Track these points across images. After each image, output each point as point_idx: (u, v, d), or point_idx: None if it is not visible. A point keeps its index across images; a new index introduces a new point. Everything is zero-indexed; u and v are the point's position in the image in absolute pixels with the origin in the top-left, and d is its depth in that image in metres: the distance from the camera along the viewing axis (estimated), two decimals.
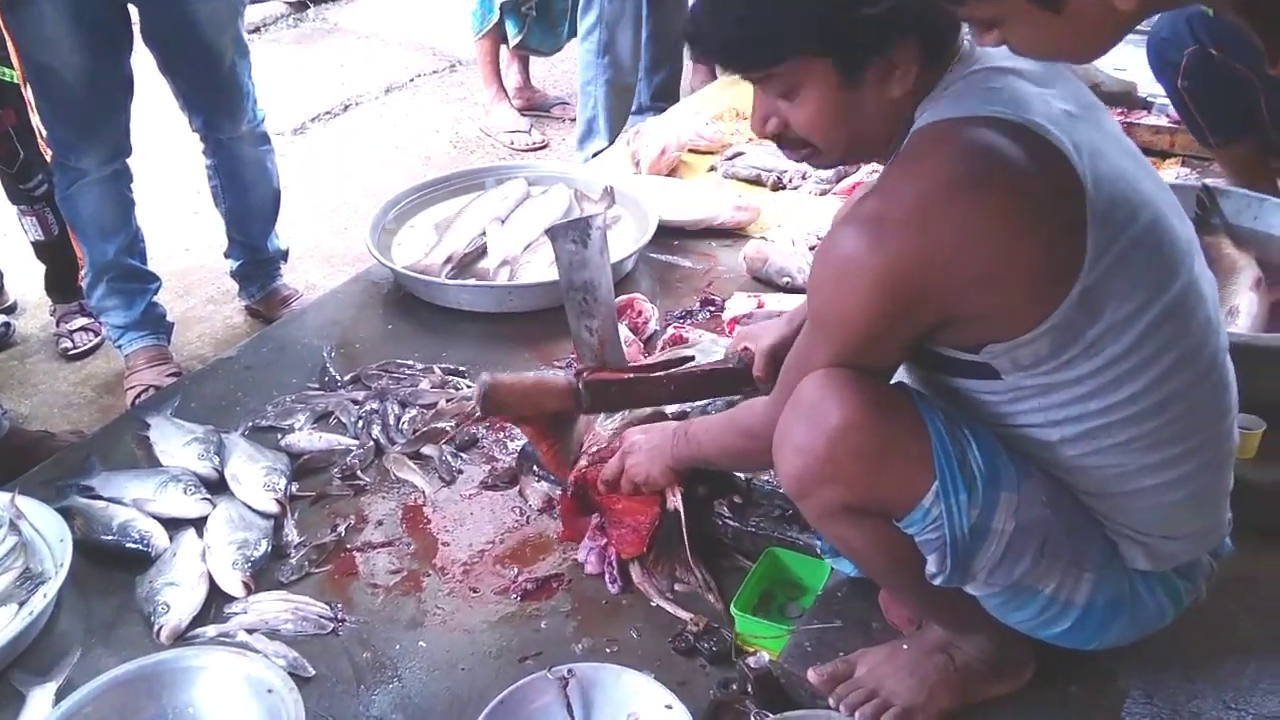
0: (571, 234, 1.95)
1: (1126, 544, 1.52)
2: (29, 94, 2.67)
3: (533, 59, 4.78)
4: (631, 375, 2.04)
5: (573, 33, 4.27)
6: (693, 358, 2.28)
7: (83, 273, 2.95)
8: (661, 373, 2.06)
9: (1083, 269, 1.35)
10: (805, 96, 1.47)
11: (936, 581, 1.49)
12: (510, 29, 4.35)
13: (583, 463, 2.09)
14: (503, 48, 4.53)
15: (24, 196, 3.07)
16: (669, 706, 1.69)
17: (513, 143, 4.45)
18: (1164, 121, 3.41)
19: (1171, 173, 3.23)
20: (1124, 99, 3.50)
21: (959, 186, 1.35)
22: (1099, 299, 1.37)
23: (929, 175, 1.37)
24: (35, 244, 3.17)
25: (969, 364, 1.46)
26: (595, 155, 3.89)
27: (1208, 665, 1.75)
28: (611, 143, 3.93)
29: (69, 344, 3.18)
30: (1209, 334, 1.48)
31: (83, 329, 3.20)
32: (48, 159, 2.77)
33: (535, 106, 4.73)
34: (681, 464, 1.87)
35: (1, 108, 2.93)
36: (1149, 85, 3.56)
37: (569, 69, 4.89)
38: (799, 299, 2.44)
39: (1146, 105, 3.49)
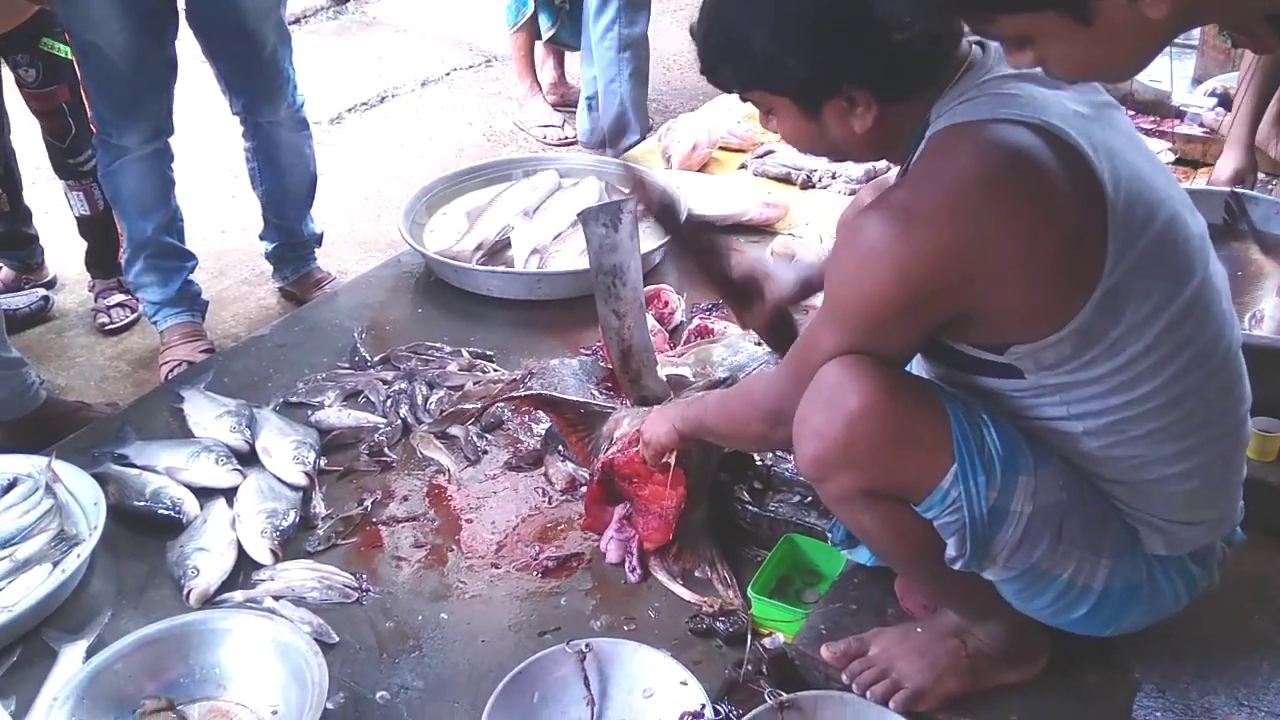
0: (603, 217, 1.98)
1: (1146, 530, 1.53)
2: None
3: (567, 55, 4.81)
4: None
5: None
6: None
7: (122, 249, 3.02)
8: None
9: (1104, 270, 1.37)
10: (780, 118, 1.55)
11: (956, 565, 1.50)
12: (544, 23, 4.38)
13: (612, 450, 2.11)
14: (538, 43, 4.57)
15: (73, 171, 3.14)
16: (684, 683, 1.72)
17: (545, 137, 4.49)
18: (1197, 130, 3.41)
19: (1203, 180, 3.22)
20: (1157, 107, 3.50)
21: (987, 181, 1.36)
22: (1120, 299, 1.39)
23: (957, 170, 1.38)
24: (80, 219, 3.23)
25: (993, 364, 1.48)
26: (629, 149, 3.92)
27: (1221, 661, 1.75)
28: (643, 136, 3.97)
29: (106, 319, 3.24)
30: (1224, 327, 1.50)
31: (120, 305, 3.26)
32: None
33: (569, 102, 4.76)
34: (687, 426, 1.86)
35: (56, 83, 3.00)
36: (1182, 95, 3.59)
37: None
38: None
39: (1180, 114, 3.49)
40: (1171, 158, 3.35)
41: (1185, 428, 1.48)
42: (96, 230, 3.23)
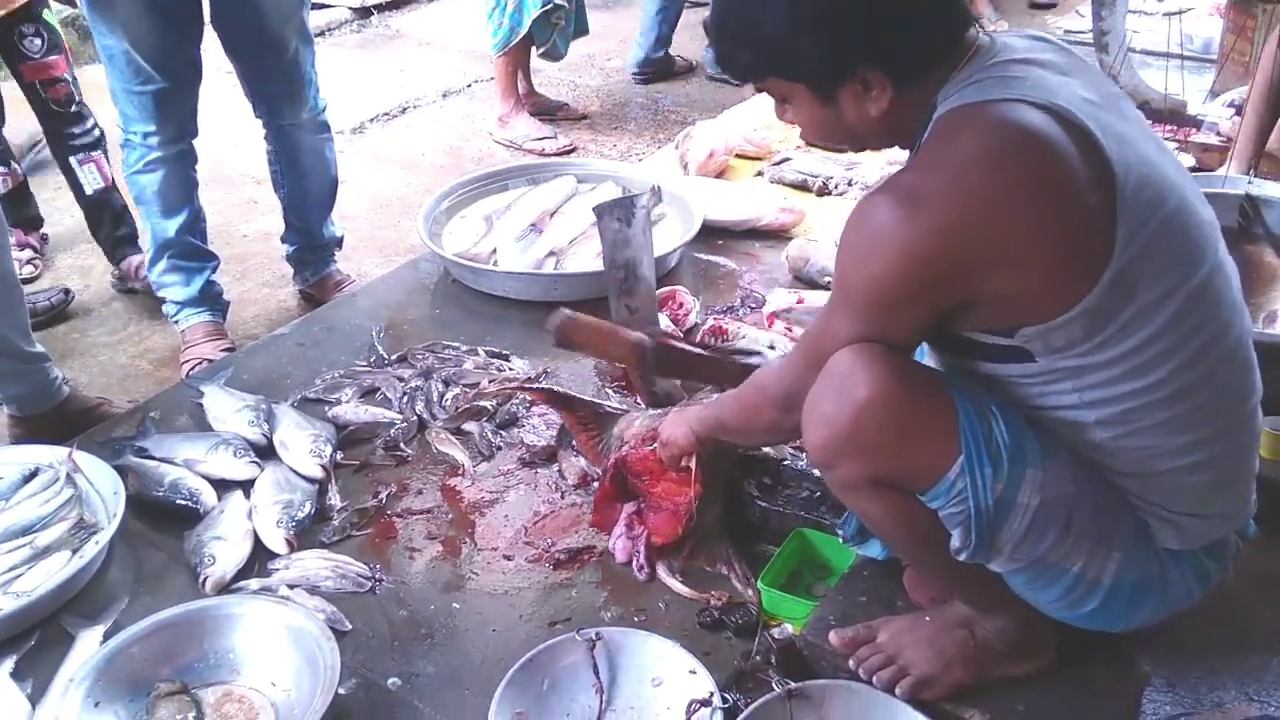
0: (617, 212, 2.00)
1: (1158, 523, 1.53)
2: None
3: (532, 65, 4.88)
4: (700, 350, 2.06)
5: (580, 33, 4.58)
6: (760, 352, 2.31)
7: (145, 253, 3.07)
8: (728, 359, 2.08)
9: (1114, 251, 1.37)
10: (795, 107, 1.56)
11: (961, 557, 1.50)
12: (539, 38, 4.43)
13: (625, 448, 2.12)
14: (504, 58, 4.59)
15: (79, 144, 3.25)
16: (693, 672, 1.73)
17: (543, 149, 4.52)
18: (1213, 139, 3.41)
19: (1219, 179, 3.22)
20: (1174, 116, 3.51)
21: (993, 159, 1.37)
22: (1131, 281, 1.39)
23: (964, 149, 1.39)
24: (93, 198, 3.34)
25: (1003, 348, 1.48)
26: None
27: (1232, 657, 1.75)
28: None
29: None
30: (1235, 316, 1.50)
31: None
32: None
33: (542, 111, 4.82)
34: (704, 428, 1.87)
35: (57, 53, 3.13)
36: (1199, 106, 3.60)
37: (553, 71, 5.19)
38: None
39: (1196, 123, 3.49)
40: (1190, 161, 3.35)
41: (1197, 418, 1.47)
42: (105, 208, 3.36)
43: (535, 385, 2.32)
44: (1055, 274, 1.39)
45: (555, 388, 2.32)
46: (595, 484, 2.19)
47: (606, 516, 2.12)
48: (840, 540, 1.92)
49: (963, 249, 1.38)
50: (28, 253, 3.57)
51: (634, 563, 2.03)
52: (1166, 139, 3.38)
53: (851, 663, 1.68)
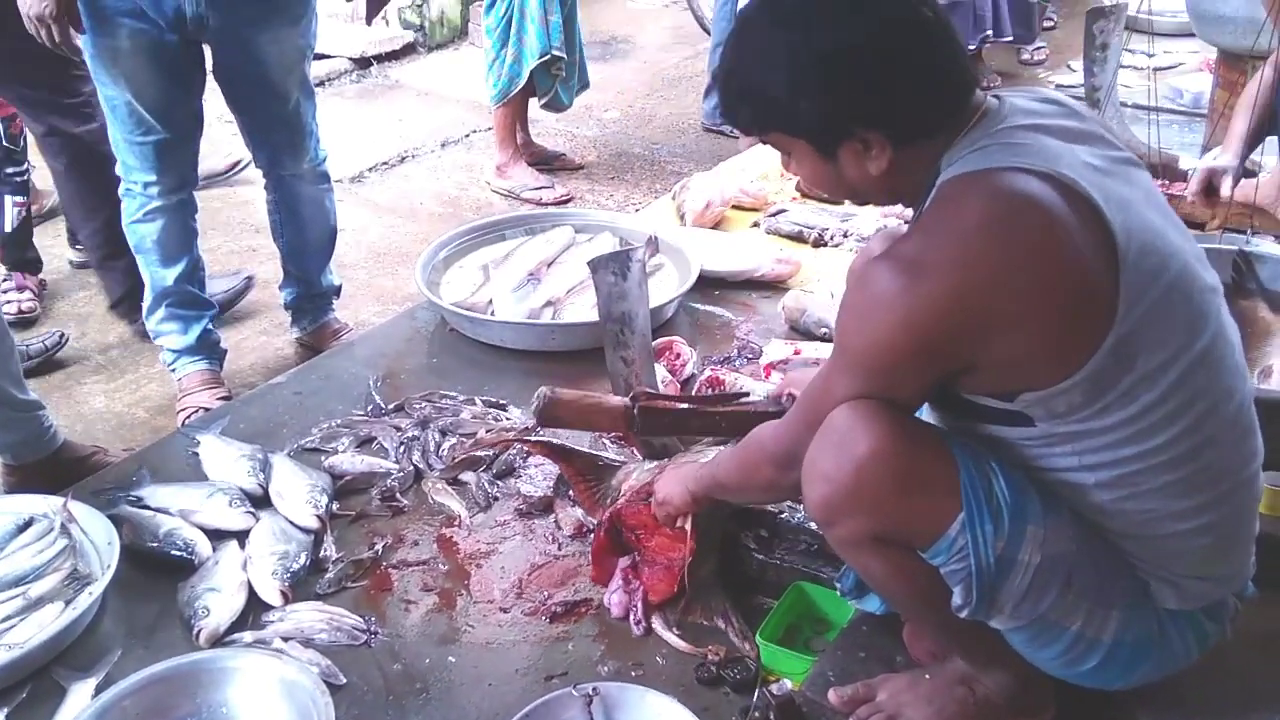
0: (612, 266, 2.01)
1: (1157, 583, 1.53)
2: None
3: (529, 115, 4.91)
4: (685, 405, 2.07)
5: (581, 87, 4.59)
6: (748, 394, 2.32)
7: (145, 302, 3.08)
8: (714, 408, 2.08)
9: (1116, 318, 1.38)
10: (797, 161, 1.58)
11: (963, 614, 1.50)
12: (541, 88, 4.46)
13: (620, 501, 2.12)
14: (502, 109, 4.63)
15: (10, 186, 3.42)
16: None
17: (541, 199, 4.54)
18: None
19: (1214, 237, 3.24)
20: (1166, 171, 3.54)
21: (994, 228, 1.38)
22: (1132, 347, 1.39)
23: (966, 218, 1.41)
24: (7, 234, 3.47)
25: (1003, 412, 1.48)
26: None
27: (1231, 716, 1.74)
28: None
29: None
30: (1237, 379, 1.51)
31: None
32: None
33: (540, 161, 4.85)
34: (700, 487, 1.87)
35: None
36: (1192, 160, 3.63)
37: (550, 122, 5.22)
38: None
39: (1186, 178, 3.52)
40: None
41: (1198, 482, 1.47)
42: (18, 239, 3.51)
43: (532, 438, 2.32)
44: (1057, 341, 1.40)
45: (552, 440, 2.32)
46: (592, 535, 2.19)
47: (604, 569, 2.11)
48: (838, 594, 1.91)
49: (964, 316, 1.39)
50: (27, 294, 3.58)
51: (631, 617, 2.02)
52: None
53: None
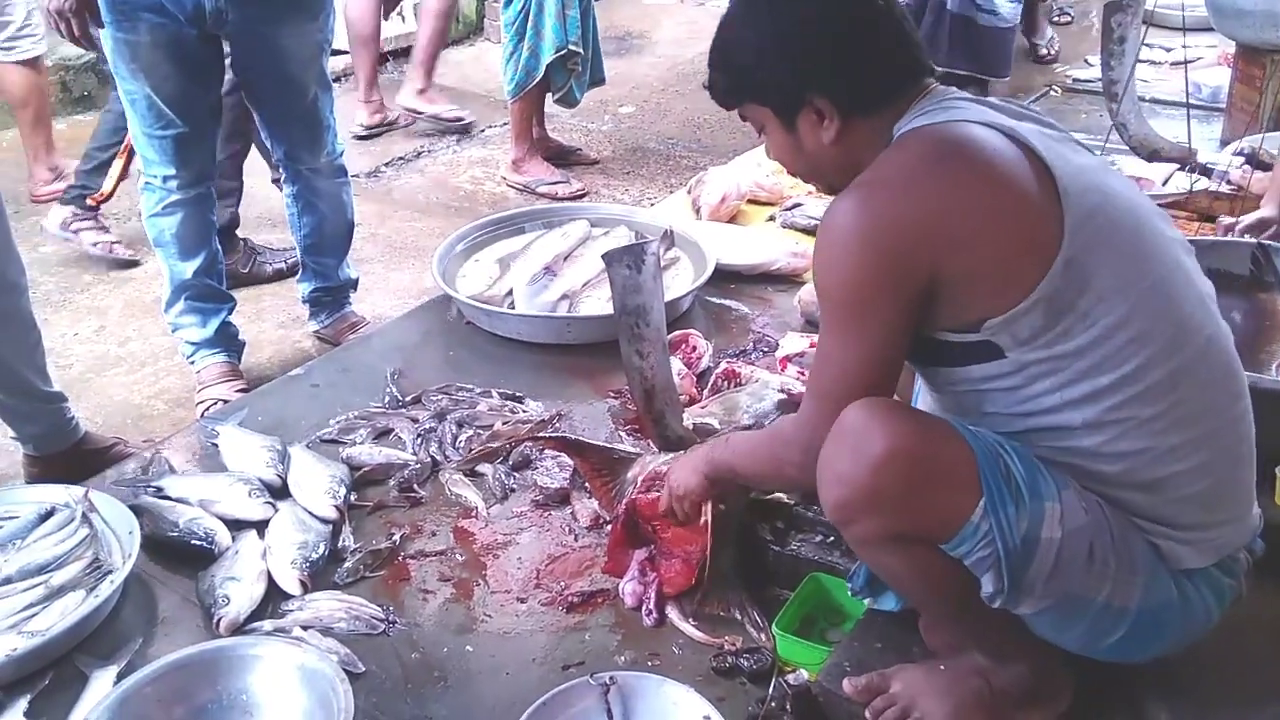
0: (627, 259, 2.02)
1: (1169, 544, 1.53)
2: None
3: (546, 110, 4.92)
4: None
5: (596, 82, 4.64)
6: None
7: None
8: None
9: (1064, 238, 1.45)
10: (768, 134, 1.72)
11: (996, 602, 1.50)
12: (556, 83, 4.47)
13: (635, 493, 2.12)
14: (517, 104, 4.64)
15: None
16: (707, 718, 1.72)
17: (556, 194, 4.55)
18: (1224, 187, 3.43)
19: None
20: (1184, 163, 3.53)
21: (937, 155, 1.52)
22: (1084, 269, 1.46)
23: (908, 153, 1.55)
24: None
25: (972, 346, 1.52)
26: None
27: (1250, 705, 1.73)
28: None
29: None
30: (1204, 316, 1.55)
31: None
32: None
33: (556, 156, 4.86)
34: (715, 470, 1.87)
35: None
36: (1210, 154, 3.62)
37: (566, 117, 5.24)
38: None
39: (1206, 171, 3.51)
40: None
41: (1183, 416, 1.50)
42: None
43: (547, 434, 2.33)
44: (1010, 259, 1.47)
45: (567, 435, 2.33)
46: (608, 526, 2.20)
47: (619, 562, 2.12)
48: (850, 593, 1.91)
49: (915, 230, 1.48)
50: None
51: (644, 608, 2.02)
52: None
53: (868, 714, 1.67)
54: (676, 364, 2.55)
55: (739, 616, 1.99)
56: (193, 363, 3.06)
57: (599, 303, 2.96)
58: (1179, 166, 3.52)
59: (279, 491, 2.31)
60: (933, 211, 1.48)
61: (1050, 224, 1.46)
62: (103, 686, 1.86)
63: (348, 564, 2.14)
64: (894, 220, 1.49)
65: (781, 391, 2.45)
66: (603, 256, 2.16)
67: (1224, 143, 4.05)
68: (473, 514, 2.30)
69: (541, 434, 2.40)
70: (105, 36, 2.69)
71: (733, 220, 3.61)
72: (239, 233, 3.76)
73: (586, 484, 2.28)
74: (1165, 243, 1.56)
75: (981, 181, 1.49)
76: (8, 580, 2.03)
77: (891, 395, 1.60)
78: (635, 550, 2.10)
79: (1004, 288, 1.47)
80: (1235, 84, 4.24)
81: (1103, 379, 1.47)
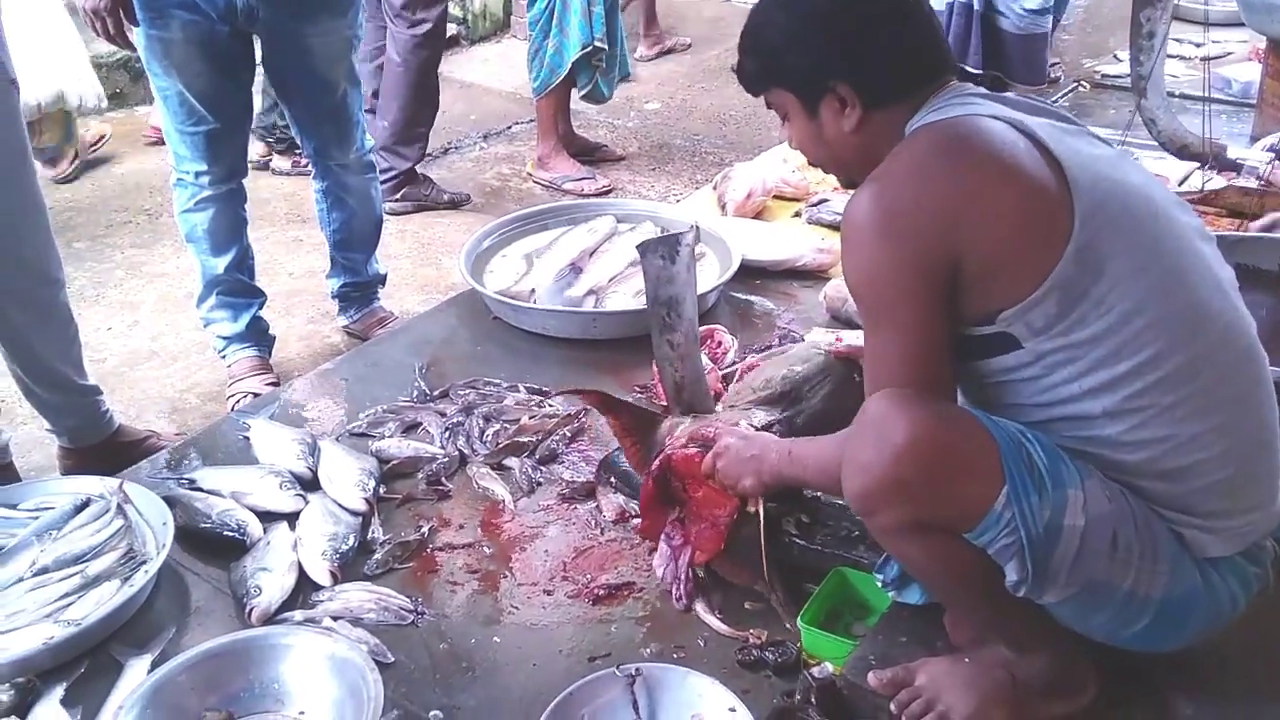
0: (661, 249, 2.03)
1: (1192, 533, 1.53)
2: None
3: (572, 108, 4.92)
4: None
5: (623, 78, 4.67)
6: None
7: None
8: None
9: (1074, 226, 1.47)
10: (791, 121, 1.74)
11: (1020, 591, 1.50)
12: (581, 81, 4.49)
13: (671, 447, 2.10)
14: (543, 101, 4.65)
15: None
16: (732, 710, 1.73)
17: (582, 190, 4.56)
18: (1253, 183, 3.41)
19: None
20: (1214, 159, 3.51)
21: (946, 147, 1.54)
22: (1097, 256, 1.47)
23: (918, 145, 1.58)
24: None
25: (990, 338, 1.53)
26: None
27: (1273, 701, 1.73)
28: None
29: None
30: (1222, 303, 1.55)
31: None
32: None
33: (581, 152, 4.87)
34: (780, 483, 1.88)
35: None
36: (1240, 150, 3.60)
37: (592, 114, 5.26)
38: None
39: (1235, 167, 3.49)
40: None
41: (1205, 405, 1.50)
42: None
43: (579, 389, 2.35)
44: (1020, 247, 1.48)
45: (599, 390, 2.34)
46: (634, 520, 2.21)
47: (654, 522, 2.11)
48: (879, 585, 1.92)
49: (927, 219, 1.49)
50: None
51: (674, 591, 2.04)
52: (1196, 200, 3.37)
53: (893, 707, 1.68)
54: (703, 359, 2.55)
55: (764, 590, 1.99)
56: (224, 357, 3.10)
57: (625, 298, 2.98)
58: (1199, 165, 3.49)
59: (309, 484, 2.34)
60: (943, 201, 1.50)
61: (1061, 212, 1.48)
62: (137, 674, 1.90)
63: (377, 556, 2.16)
64: (906, 212, 1.51)
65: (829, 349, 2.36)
66: (637, 247, 2.16)
67: (1254, 138, 4.02)
68: (500, 507, 2.32)
69: (579, 390, 2.39)
70: (139, 34, 2.73)
71: (758, 216, 3.62)
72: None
73: (613, 475, 2.30)
74: (1181, 230, 1.57)
75: (989, 171, 1.51)
76: (44, 570, 2.07)
77: (951, 391, 1.60)
78: (668, 511, 2.09)
79: (1018, 277, 1.48)
80: (1266, 79, 4.20)
81: (1120, 366, 1.48)
